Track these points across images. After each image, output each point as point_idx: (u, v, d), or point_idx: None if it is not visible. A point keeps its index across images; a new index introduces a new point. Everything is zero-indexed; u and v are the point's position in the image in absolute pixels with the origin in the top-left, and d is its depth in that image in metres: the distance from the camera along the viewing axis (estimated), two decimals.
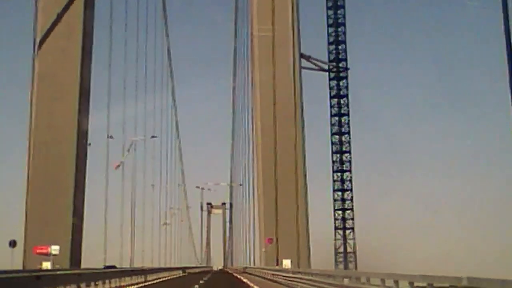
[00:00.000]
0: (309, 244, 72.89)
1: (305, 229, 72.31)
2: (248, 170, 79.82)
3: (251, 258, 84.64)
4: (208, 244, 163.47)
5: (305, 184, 74.55)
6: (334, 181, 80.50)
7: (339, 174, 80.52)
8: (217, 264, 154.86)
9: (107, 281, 28.30)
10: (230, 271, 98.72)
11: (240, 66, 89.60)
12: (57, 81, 69.83)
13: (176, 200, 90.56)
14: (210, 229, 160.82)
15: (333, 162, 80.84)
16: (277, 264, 53.82)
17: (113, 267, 43.57)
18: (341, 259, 79.10)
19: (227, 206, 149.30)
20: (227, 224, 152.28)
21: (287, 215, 69.10)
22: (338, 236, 79.67)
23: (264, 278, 48.74)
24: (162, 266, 75.98)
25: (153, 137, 52.26)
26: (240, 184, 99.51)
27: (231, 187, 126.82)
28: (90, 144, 74.61)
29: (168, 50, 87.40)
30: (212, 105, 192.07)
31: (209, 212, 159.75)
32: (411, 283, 14.69)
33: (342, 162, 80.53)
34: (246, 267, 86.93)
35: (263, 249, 62.70)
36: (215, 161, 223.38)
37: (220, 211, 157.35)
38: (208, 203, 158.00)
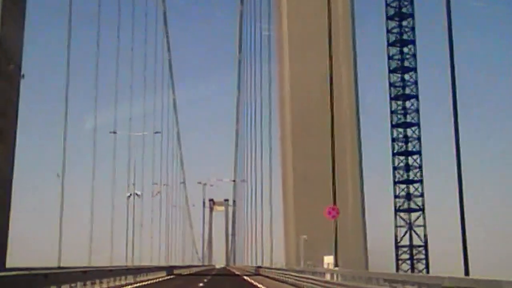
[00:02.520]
0: (366, 235, 47.48)
1: (359, 213, 46.86)
2: (263, 157, 63.20)
3: (266, 255, 61.39)
4: (210, 241, 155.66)
5: (359, 147, 49.19)
6: (393, 140, 54.17)
7: (401, 129, 54.22)
8: (218, 262, 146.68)
9: None
10: (237, 272, 73.61)
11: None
12: None
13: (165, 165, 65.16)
14: (212, 226, 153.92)
15: (392, 112, 54.51)
16: (336, 265, 27.69)
17: None
18: (405, 256, 52.71)
19: (230, 202, 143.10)
20: (230, 221, 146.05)
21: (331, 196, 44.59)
22: (401, 222, 53.25)
23: None
24: (139, 264, 49.88)
25: None
26: (243, 180, 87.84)
27: (235, 182, 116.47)
28: (23, 76, 48.46)
29: (166, 24, 67.70)
30: (214, 98, 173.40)
31: (211, 209, 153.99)
32: None
33: (405, 112, 54.16)
34: (259, 267, 61.50)
35: (304, 236, 37.09)
36: (218, 158, 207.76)
37: (222, 207, 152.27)
38: (210, 200, 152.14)
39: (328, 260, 41.29)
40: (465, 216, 26.38)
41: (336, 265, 27.70)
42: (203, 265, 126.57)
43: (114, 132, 39.81)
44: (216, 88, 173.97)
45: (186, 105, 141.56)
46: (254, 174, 71.67)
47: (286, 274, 36.42)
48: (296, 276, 31.24)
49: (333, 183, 28.51)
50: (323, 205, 45.58)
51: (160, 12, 68.50)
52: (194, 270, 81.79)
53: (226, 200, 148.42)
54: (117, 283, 29.45)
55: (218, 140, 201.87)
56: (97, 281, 24.16)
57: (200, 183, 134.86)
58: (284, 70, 53.74)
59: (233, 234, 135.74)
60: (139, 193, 40.62)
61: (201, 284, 33.89)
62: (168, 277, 48.66)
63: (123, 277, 30.68)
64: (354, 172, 47.13)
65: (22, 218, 45.82)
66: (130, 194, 40.17)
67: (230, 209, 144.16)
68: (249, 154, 77.22)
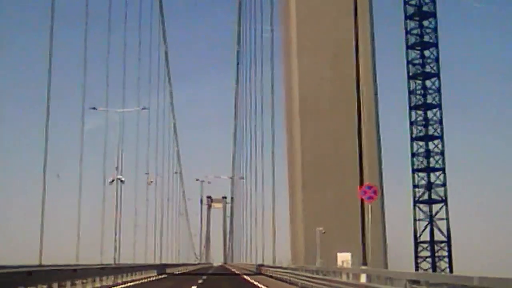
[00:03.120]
0: (385, 229, 41.71)
1: (378, 204, 40.87)
2: (265, 146, 55.27)
3: (267, 252, 55.48)
4: (207, 239, 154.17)
5: (378, 130, 43.40)
6: (412, 123, 48.51)
7: (420, 112, 48.53)
8: (216, 260, 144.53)
9: None
10: (236, 271, 67.90)
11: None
12: None
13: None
14: (210, 223, 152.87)
15: (410, 92, 48.84)
16: (364, 262, 21.71)
17: None
18: (426, 253, 46.97)
19: (228, 200, 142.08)
20: (228, 219, 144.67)
21: (345, 184, 39.61)
22: (420, 215, 47.52)
23: None
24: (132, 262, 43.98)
25: None
26: (242, 178, 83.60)
27: (233, 179, 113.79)
28: None
29: (162, 14, 60.80)
30: (213, 95, 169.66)
31: (209, 206, 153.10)
32: None
33: (425, 93, 48.46)
34: (261, 265, 55.63)
35: (320, 228, 31.47)
36: (216, 155, 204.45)
37: (220, 205, 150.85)
38: (208, 197, 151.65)
39: (343, 257, 35.59)
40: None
41: (364, 263, 21.85)
42: (200, 263, 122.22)
43: (94, 108, 34.06)
44: (214, 85, 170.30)
45: (184, 102, 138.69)
46: (254, 164, 65.75)
47: (294, 274, 30.63)
48: (309, 277, 25.42)
49: (360, 157, 22.50)
50: (337, 193, 40.04)
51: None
52: (189, 268, 76.11)
53: (224, 197, 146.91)
54: (88, 286, 23.68)
55: (216, 138, 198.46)
56: (55, 285, 18.46)
57: (198, 180, 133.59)
58: (291, 48, 47.85)
59: (231, 232, 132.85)
60: (123, 178, 34.90)
61: (194, 287, 28.14)
62: (159, 276, 42.89)
63: (97, 279, 24.90)
64: (371, 158, 41.20)
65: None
66: (113, 180, 34.37)
67: (228, 207, 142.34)
68: (249, 145, 71.58)
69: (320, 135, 42.60)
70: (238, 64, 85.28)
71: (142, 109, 38.49)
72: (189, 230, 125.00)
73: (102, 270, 25.31)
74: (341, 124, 42.50)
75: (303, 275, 27.09)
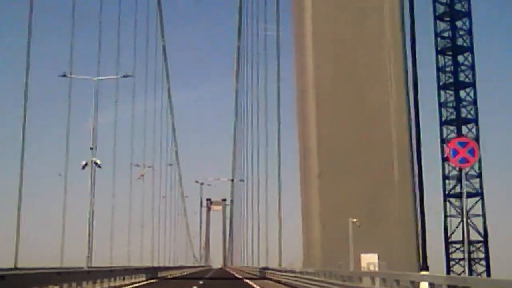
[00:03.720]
0: (417, 226, 34.84)
1: (409, 196, 34.13)
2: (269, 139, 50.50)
3: (271, 255, 49.34)
4: (207, 241, 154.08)
5: (408, 110, 36.77)
6: (441, 104, 42.03)
7: (450, 91, 42.06)
8: (216, 263, 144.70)
9: None
10: (237, 274, 61.69)
11: None
12: None
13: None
14: (209, 225, 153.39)
15: (439, 69, 42.42)
16: (425, 267, 15.12)
17: None
18: (459, 255, 40.39)
19: (228, 202, 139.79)
20: (228, 221, 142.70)
21: (367, 173, 32.83)
22: (452, 210, 41.01)
23: None
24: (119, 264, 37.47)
25: None
26: (241, 180, 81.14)
27: (233, 181, 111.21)
28: None
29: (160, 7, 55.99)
30: (213, 97, 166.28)
31: (209, 209, 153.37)
32: None
33: (456, 70, 42.00)
34: (265, 269, 49.24)
35: (354, 220, 25.10)
36: (215, 157, 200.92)
37: (220, 207, 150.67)
38: (208, 199, 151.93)
39: (368, 259, 29.21)
40: None
41: (425, 267, 15.32)
42: (199, 266, 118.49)
43: (64, 75, 27.51)
44: (214, 86, 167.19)
45: (183, 104, 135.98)
46: (257, 157, 59.43)
47: (313, 280, 24.11)
48: (339, 285, 18.89)
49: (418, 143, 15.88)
50: (359, 183, 33.59)
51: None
52: (186, 271, 69.69)
53: (224, 199, 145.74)
54: None
55: (216, 140, 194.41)
56: None
57: (197, 182, 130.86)
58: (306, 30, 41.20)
59: (231, 234, 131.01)
60: (99, 161, 28.44)
61: None
62: (147, 282, 36.36)
63: None
64: (401, 139, 34.60)
65: None
66: (86, 163, 27.93)
67: (228, 209, 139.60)
68: (251, 140, 65.81)
69: (338, 120, 36.19)
70: (238, 60, 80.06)
71: (124, 76, 32.04)
72: (188, 231, 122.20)
73: (58, 276, 18.69)
74: (361, 107, 36.27)
75: (330, 282, 20.53)
